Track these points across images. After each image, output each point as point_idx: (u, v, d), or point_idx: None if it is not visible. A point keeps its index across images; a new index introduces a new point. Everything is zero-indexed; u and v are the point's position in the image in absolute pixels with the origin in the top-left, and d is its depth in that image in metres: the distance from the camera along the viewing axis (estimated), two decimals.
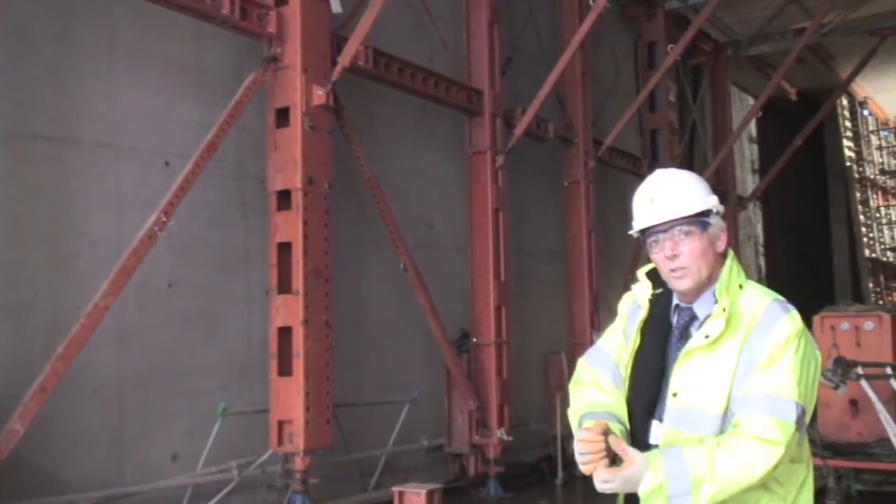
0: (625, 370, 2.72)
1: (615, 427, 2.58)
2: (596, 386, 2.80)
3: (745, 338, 2.46)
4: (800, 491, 2.50)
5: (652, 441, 2.56)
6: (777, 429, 2.35)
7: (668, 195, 2.58)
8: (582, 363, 2.89)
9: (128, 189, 7.21)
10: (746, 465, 2.33)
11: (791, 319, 2.46)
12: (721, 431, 2.44)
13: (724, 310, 2.48)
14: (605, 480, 2.40)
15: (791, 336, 2.43)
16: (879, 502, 8.79)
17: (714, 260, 2.58)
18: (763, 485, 2.41)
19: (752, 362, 2.43)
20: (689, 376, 2.50)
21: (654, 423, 2.57)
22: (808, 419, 2.44)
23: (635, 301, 2.77)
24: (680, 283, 2.58)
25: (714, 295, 2.57)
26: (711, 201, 2.59)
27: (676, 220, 2.55)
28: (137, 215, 6.96)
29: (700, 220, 2.56)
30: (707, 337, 2.48)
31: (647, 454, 2.41)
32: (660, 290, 2.70)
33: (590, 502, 10.15)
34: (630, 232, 2.72)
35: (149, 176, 7.34)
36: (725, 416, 2.44)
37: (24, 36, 6.64)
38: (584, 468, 2.47)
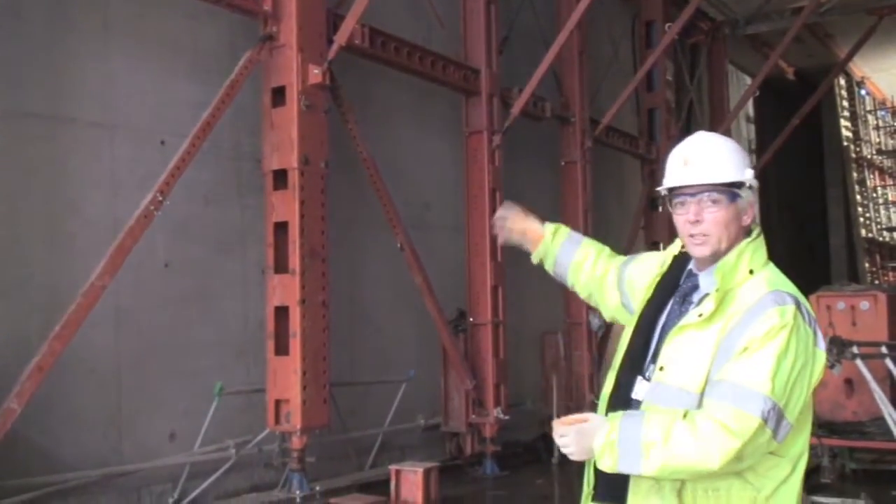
0: (631, 319, 2.76)
1: (545, 246, 3.11)
2: (609, 258, 3.09)
3: (728, 322, 2.42)
4: (780, 487, 2.42)
5: (635, 396, 2.55)
6: (736, 419, 2.28)
7: (702, 159, 2.55)
8: (626, 262, 3.08)
9: (123, 168, 7.19)
10: (703, 447, 2.28)
11: (780, 313, 2.37)
12: None
13: (716, 290, 2.46)
14: (561, 434, 2.43)
15: (774, 329, 2.35)
16: (873, 480, 8.84)
17: (737, 233, 2.54)
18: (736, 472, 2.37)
19: (730, 348, 2.38)
20: (677, 352, 2.48)
21: (639, 380, 2.57)
22: (790, 417, 2.35)
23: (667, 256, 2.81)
24: (698, 250, 2.56)
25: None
26: (747, 174, 2.54)
27: (706, 185, 2.52)
28: (133, 194, 6.95)
29: (730, 190, 2.52)
30: (700, 315, 2.46)
31: (610, 415, 2.45)
32: (686, 251, 2.68)
33: None
34: (658, 189, 2.70)
35: (144, 155, 7.31)
36: (702, 397, 2.41)
37: (17, 14, 6.59)
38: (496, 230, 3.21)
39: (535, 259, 3.19)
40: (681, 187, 2.57)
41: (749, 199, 2.55)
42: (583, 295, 3.15)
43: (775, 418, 2.32)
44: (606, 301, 3.06)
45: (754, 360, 2.33)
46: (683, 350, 2.47)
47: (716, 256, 2.54)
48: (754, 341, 2.35)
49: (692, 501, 2.40)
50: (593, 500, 2.59)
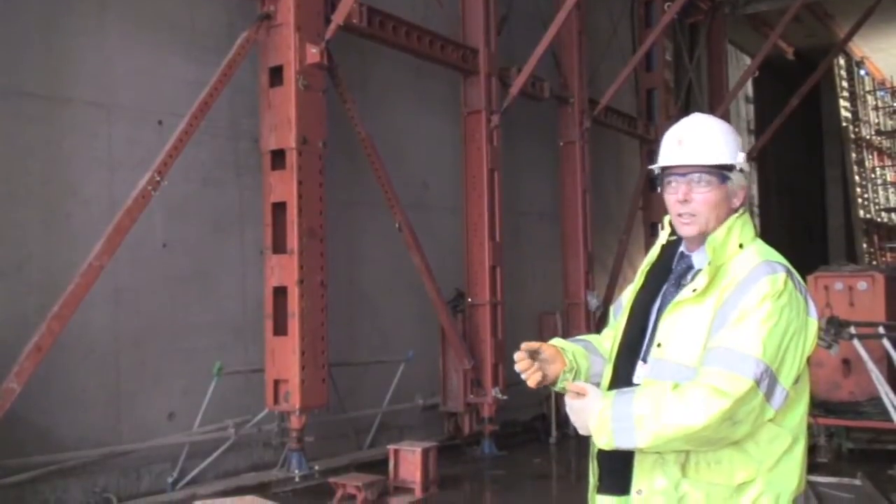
0: (624, 308, 2.77)
1: (572, 352, 2.79)
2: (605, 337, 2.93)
3: (722, 295, 2.45)
4: (781, 459, 2.44)
5: (635, 381, 2.58)
6: (727, 380, 2.32)
7: (696, 140, 2.59)
8: (611, 310, 3.01)
9: (120, 148, 7.17)
10: (689, 408, 2.31)
11: (771, 281, 2.41)
12: None
13: (709, 263, 2.49)
14: (567, 406, 2.50)
15: (766, 296, 2.39)
16: (870, 460, 8.89)
17: (726, 214, 2.58)
18: (736, 443, 2.39)
19: (724, 319, 2.42)
20: (674, 328, 2.51)
21: (640, 364, 2.60)
22: (785, 383, 2.37)
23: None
24: (685, 229, 2.59)
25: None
26: (739, 157, 2.58)
27: (697, 166, 2.56)
28: (131, 174, 6.94)
29: (721, 171, 2.56)
30: (694, 291, 2.49)
31: (605, 392, 2.48)
32: (674, 238, 2.72)
33: (583, 460, 10.26)
34: (650, 167, 2.73)
35: (142, 135, 7.30)
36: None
37: None
38: (528, 383, 2.70)
39: (562, 385, 2.74)
40: (673, 167, 2.60)
41: (740, 182, 2.60)
42: None
43: (768, 382, 2.35)
44: None
45: (745, 326, 2.37)
46: (680, 325, 2.50)
47: (704, 236, 2.58)
48: (747, 310, 2.39)
49: (695, 474, 2.43)
50: (599, 492, 2.62)
